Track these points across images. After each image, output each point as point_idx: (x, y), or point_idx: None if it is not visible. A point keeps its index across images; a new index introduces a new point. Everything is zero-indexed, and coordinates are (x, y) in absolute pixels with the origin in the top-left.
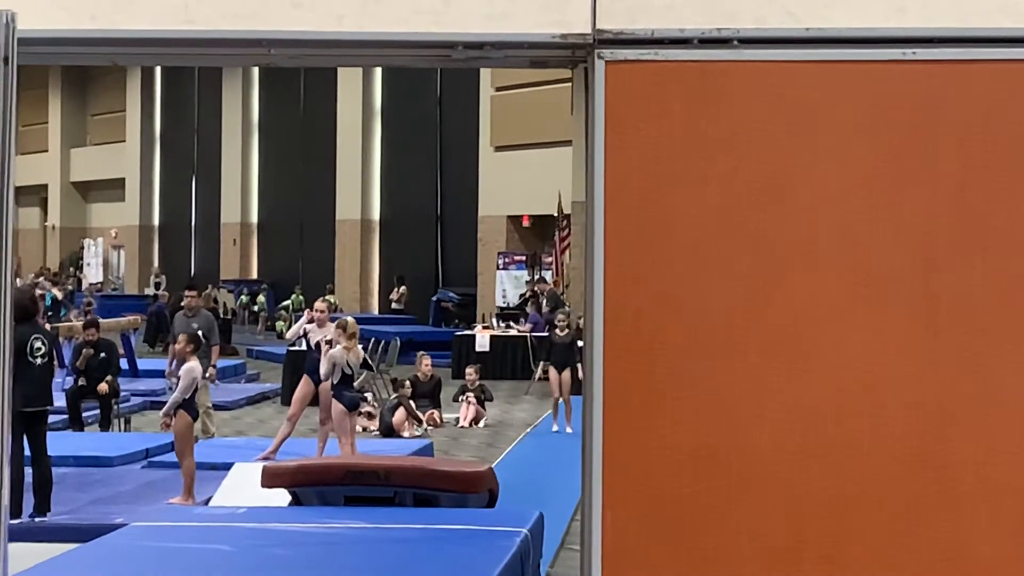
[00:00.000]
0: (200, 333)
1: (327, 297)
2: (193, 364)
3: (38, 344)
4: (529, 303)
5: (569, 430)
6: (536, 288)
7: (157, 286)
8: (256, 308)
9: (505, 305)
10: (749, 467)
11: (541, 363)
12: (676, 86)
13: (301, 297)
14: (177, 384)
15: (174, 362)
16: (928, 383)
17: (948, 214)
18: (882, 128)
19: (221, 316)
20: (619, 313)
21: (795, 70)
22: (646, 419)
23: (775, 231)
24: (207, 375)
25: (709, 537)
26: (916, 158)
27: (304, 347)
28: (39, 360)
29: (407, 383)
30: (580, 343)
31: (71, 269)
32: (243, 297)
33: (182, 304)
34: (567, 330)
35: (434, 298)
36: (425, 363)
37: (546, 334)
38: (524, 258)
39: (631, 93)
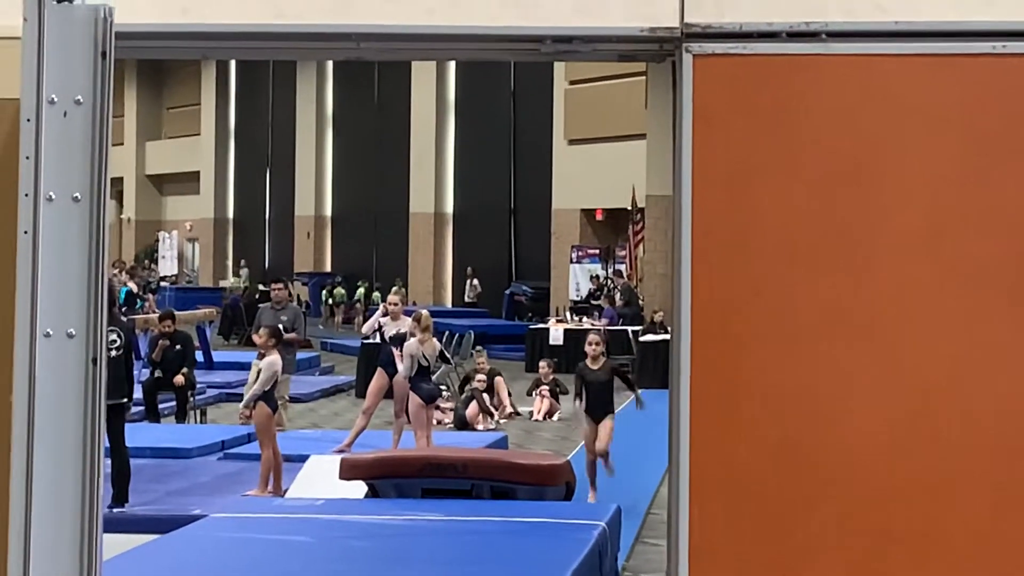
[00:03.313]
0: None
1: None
2: (274, 358)
3: (112, 336)
4: (602, 297)
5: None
6: (609, 281)
7: (239, 277)
8: (333, 301)
9: (579, 299)
10: (836, 461)
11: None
12: (764, 80)
13: (375, 291)
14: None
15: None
16: (1017, 376)
17: None
18: (971, 121)
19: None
20: (706, 306)
21: (884, 64)
22: (733, 412)
23: (863, 224)
24: None
25: (796, 530)
26: (1006, 151)
27: (379, 340)
28: (113, 352)
29: (482, 376)
30: (618, 375)
31: (146, 262)
32: (361, 288)
33: (262, 297)
34: (602, 359)
35: (507, 291)
36: (479, 360)
37: (621, 328)
38: (598, 251)
39: (719, 87)
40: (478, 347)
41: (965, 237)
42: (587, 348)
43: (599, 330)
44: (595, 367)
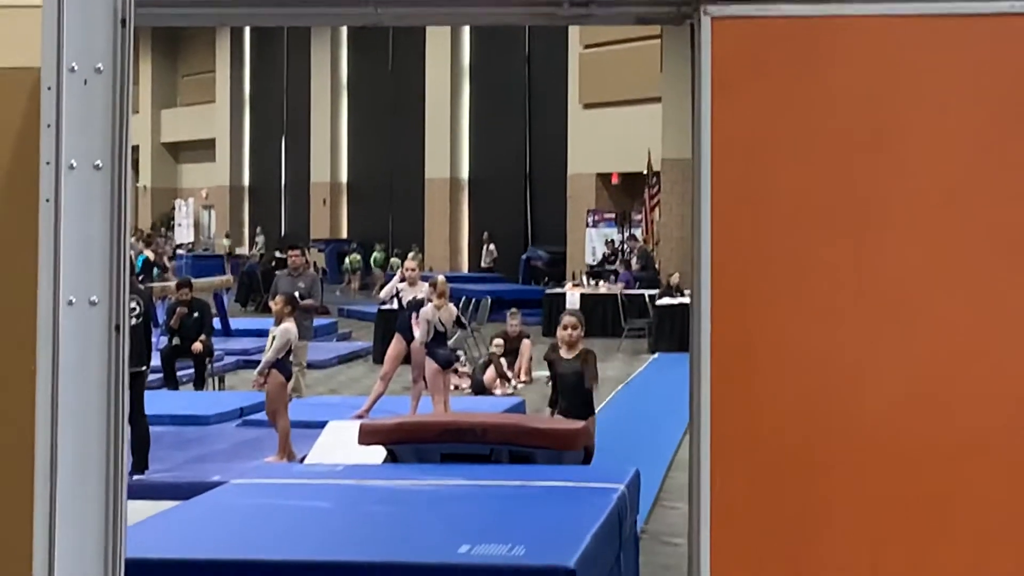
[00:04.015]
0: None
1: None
2: (288, 325)
3: (132, 304)
4: (617, 261)
5: None
6: (625, 245)
7: (255, 244)
8: (349, 267)
9: (595, 263)
10: (855, 426)
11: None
12: (782, 42)
13: (392, 256)
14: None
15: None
16: None
17: None
18: (990, 83)
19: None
20: (725, 273)
21: (901, 25)
22: (753, 379)
23: (880, 190)
24: None
25: (815, 495)
26: None
27: (396, 306)
28: (132, 321)
29: (499, 340)
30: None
31: (162, 229)
32: (377, 254)
33: (279, 264)
34: (580, 346)
35: (524, 256)
36: (513, 322)
37: (638, 291)
38: (614, 215)
39: (737, 50)
40: (512, 309)
41: (983, 201)
42: (560, 332)
43: (576, 311)
44: (569, 356)
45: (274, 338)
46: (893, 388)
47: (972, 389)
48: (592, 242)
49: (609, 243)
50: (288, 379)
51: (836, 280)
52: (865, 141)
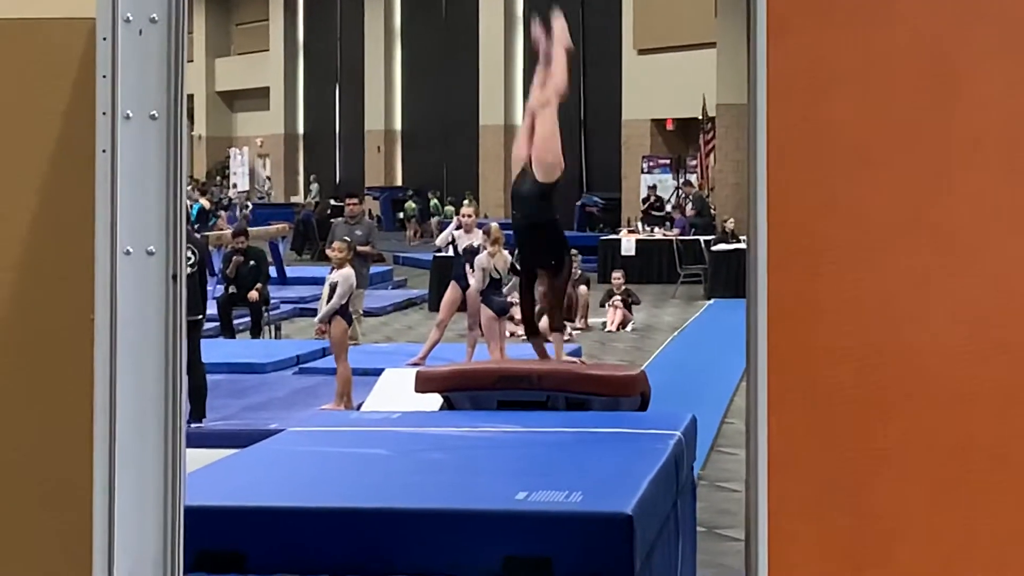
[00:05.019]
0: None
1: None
2: (348, 272)
3: (188, 253)
4: (662, 209)
5: None
6: (681, 191)
7: (309, 192)
8: (405, 215)
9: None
10: (913, 369)
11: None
12: None
13: (437, 202)
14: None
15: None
16: None
17: None
18: None
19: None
20: (782, 218)
21: None
22: (810, 322)
23: (940, 130)
24: None
25: (874, 438)
26: None
27: (451, 253)
28: (188, 270)
29: None
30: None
31: (218, 178)
32: (434, 201)
33: (334, 212)
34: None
35: (579, 203)
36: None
37: (693, 237)
38: (668, 161)
39: None
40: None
41: None
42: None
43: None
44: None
45: (333, 285)
46: (954, 332)
47: None
48: (647, 188)
49: (652, 188)
50: (349, 325)
51: (896, 223)
52: (924, 82)
